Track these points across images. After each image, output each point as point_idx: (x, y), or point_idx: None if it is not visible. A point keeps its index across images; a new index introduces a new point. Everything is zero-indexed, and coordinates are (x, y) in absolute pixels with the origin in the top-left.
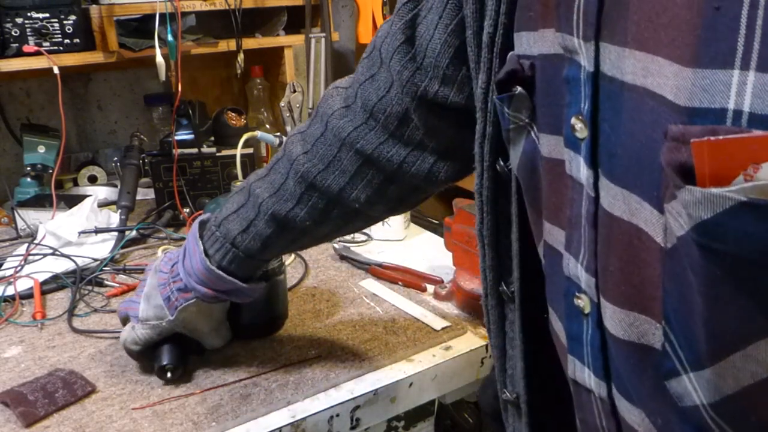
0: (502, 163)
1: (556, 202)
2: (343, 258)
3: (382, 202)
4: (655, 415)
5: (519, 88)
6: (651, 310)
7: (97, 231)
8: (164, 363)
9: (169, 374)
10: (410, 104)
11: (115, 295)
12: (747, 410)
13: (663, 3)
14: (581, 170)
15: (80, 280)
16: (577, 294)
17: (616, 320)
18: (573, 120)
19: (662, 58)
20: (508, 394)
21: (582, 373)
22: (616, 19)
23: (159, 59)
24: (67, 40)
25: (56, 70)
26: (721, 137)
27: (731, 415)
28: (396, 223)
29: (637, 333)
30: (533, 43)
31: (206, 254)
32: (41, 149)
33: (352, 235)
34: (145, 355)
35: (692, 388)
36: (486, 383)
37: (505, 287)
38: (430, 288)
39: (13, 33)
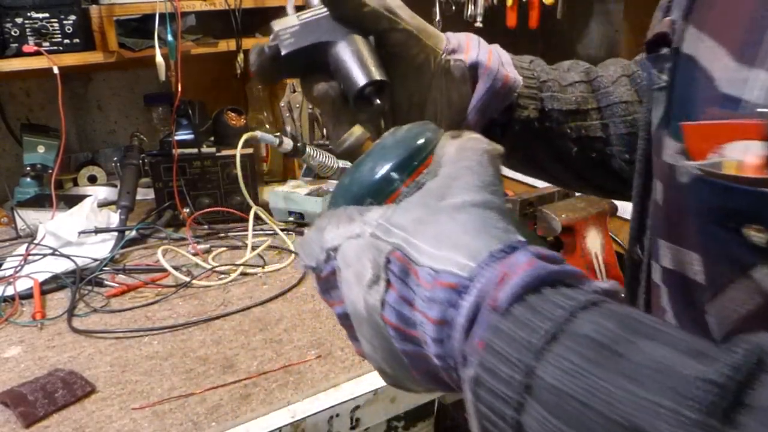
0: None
1: None
2: None
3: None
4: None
5: (665, 49)
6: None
7: (97, 231)
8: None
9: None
10: None
11: (115, 295)
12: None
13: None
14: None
15: (80, 280)
16: None
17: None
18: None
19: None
20: None
21: None
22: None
23: (159, 59)
24: (66, 40)
25: (56, 70)
26: (699, 122)
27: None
28: None
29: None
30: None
31: None
32: (41, 149)
33: None
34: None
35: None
36: None
37: (639, 249)
38: None
39: (13, 33)
